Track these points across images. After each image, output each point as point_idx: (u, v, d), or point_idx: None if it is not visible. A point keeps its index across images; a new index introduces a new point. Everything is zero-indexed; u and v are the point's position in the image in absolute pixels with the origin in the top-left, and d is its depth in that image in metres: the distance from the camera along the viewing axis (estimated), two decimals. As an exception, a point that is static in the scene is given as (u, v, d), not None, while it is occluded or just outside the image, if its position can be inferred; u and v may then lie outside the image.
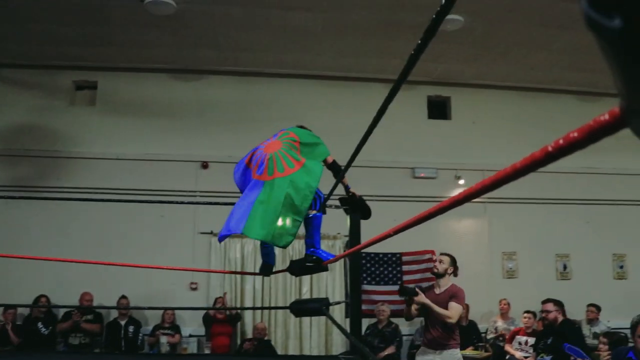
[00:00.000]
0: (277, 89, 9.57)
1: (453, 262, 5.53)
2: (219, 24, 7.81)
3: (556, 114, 10.13)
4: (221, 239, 3.75)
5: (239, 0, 7.19)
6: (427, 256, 9.05)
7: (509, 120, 10.07)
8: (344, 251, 8.75)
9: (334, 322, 3.74)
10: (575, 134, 0.65)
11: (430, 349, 5.40)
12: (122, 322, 8.07)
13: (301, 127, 4.38)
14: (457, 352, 5.41)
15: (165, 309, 7.43)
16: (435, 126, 9.99)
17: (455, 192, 8.99)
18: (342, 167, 3.72)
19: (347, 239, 8.78)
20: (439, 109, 10.20)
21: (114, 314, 8.28)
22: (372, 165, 9.14)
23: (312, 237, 4.08)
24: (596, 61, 8.94)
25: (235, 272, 8.51)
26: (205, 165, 9.12)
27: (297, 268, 4.42)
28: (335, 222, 7.64)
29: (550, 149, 0.71)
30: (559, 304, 6.46)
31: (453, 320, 5.19)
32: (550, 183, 9.33)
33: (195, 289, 8.64)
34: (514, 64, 9.19)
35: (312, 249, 4.08)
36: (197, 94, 9.48)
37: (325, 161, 4.09)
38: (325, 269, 4.51)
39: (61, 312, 8.17)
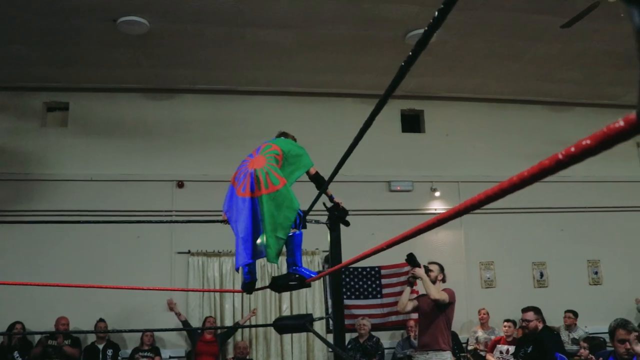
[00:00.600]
0: (251, 106, 9.55)
1: (441, 269, 6.00)
2: (192, 43, 7.79)
3: (528, 124, 10.33)
4: (241, 265, 3.79)
5: (212, 19, 7.17)
6: (406, 269, 8.92)
7: (481, 132, 10.18)
8: (323, 266, 8.75)
9: (320, 337, 3.70)
10: (588, 142, 0.67)
11: (422, 352, 5.66)
12: (100, 346, 7.91)
13: (284, 134, 4.41)
14: (447, 355, 5.62)
15: (147, 331, 7.30)
16: (409, 139, 10.04)
17: (432, 205, 9.13)
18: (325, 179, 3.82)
19: (325, 254, 8.89)
20: (412, 123, 10.27)
21: (92, 338, 8.11)
22: (348, 180, 9.15)
23: (293, 255, 4.07)
24: (564, 72, 9.15)
25: (217, 290, 8.43)
26: (180, 185, 9.03)
27: (280, 285, 4.39)
28: (314, 238, 7.59)
29: (561, 156, 0.72)
30: (538, 312, 6.51)
31: (436, 297, 5.61)
32: (524, 192, 9.22)
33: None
34: (485, 76, 9.32)
35: (294, 268, 4.06)
36: (171, 113, 9.40)
37: (308, 172, 4.10)
38: (308, 286, 4.50)
39: (36, 338, 7.97)
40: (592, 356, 4.67)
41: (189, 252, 8.73)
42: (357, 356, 8.00)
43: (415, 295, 6.38)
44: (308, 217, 4.27)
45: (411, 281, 6.04)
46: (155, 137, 9.25)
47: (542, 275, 9.87)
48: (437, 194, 9.69)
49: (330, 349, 8.67)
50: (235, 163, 9.13)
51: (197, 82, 9.18)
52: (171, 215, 8.72)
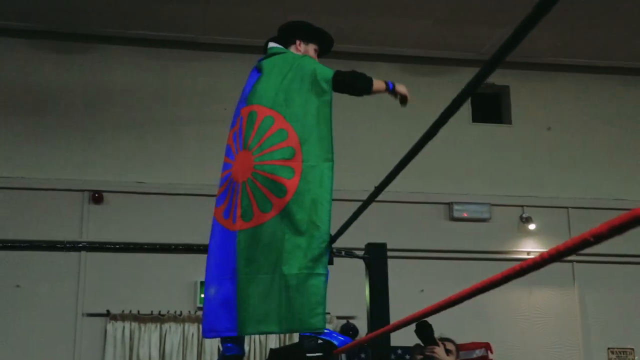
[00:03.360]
0: (220, 68, 9.26)
1: (457, 350, 6.12)
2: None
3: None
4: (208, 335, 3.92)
5: None
6: (480, 352, 8.50)
7: (607, 123, 9.79)
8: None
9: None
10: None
11: None
12: None
13: (278, 40, 4.15)
14: None
15: None
16: (484, 135, 9.70)
17: (523, 244, 8.45)
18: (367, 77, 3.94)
19: (342, 322, 8.21)
20: (490, 107, 9.91)
21: None
22: (383, 200, 8.49)
23: None
24: None
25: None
26: (97, 198, 8.55)
27: (290, 360, 4.25)
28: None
29: None
30: None
31: None
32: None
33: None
34: (621, 28, 8.90)
35: None
36: (82, 75, 9.03)
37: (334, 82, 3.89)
38: (335, 360, 4.35)
39: None
40: None
41: (107, 313, 8.25)
42: None
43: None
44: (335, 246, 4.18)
45: None
46: (55, 115, 8.84)
47: None
48: (532, 226, 9.27)
49: None
50: (192, 161, 8.72)
51: (130, 25, 8.77)
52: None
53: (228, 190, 3.81)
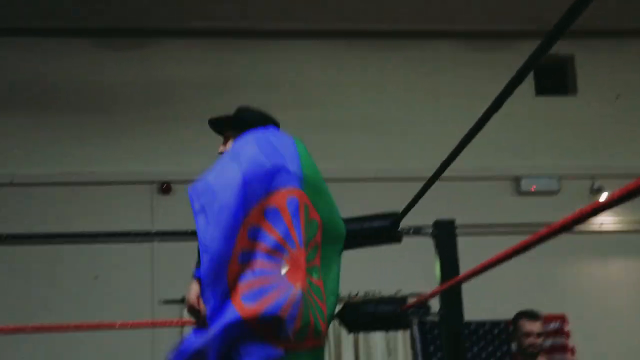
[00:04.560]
0: (280, 57, 9.39)
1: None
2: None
3: None
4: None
5: None
6: (555, 325, 8.60)
7: None
8: (412, 322, 8.25)
9: None
10: None
11: None
12: None
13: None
14: None
15: None
16: (550, 107, 9.71)
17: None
18: None
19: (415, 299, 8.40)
20: (555, 78, 9.94)
21: None
22: (448, 177, 8.63)
23: None
24: None
25: None
26: (165, 188, 8.85)
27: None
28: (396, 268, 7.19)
29: None
30: None
31: None
32: None
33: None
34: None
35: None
36: (143, 70, 9.23)
37: None
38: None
39: None
40: None
41: (182, 300, 8.15)
42: None
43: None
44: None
45: None
46: (119, 110, 9.09)
47: None
48: (604, 197, 9.14)
49: None
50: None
51: (189, 17, 9.02)
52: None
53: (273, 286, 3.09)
